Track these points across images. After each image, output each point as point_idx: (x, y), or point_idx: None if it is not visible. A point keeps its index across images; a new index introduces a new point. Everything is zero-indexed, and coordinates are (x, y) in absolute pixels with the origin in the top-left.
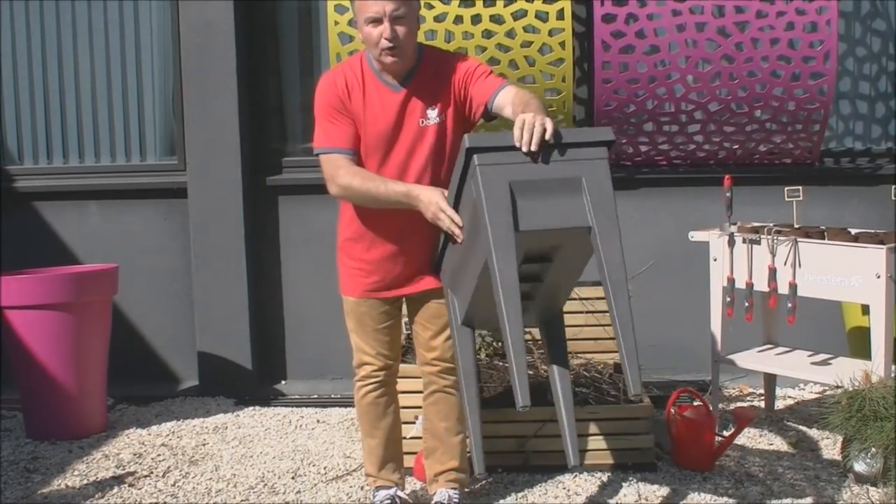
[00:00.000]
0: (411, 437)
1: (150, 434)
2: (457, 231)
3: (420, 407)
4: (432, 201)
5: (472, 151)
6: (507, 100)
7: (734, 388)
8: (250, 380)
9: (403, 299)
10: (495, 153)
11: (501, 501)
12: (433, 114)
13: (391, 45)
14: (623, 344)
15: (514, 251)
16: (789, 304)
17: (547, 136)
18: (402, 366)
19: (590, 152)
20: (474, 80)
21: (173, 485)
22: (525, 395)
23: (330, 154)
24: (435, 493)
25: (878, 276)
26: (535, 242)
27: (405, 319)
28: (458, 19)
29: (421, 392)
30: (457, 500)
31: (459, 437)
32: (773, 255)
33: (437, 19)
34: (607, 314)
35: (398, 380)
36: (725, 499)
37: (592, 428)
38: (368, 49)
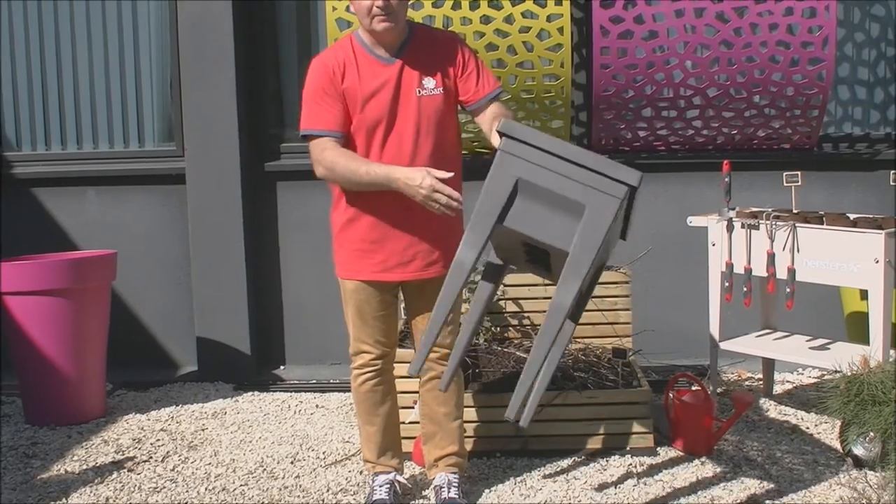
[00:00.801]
0: (410, 422)
1: (149, 419)
2: (455, 205)
3: (417, 392)
4: (423, 184)
5: (502, 135)
6: (491, 114)
7: (732, 373)
8: (249, 365)
9: (400, 287)
10: (523, 146)
11: (500, 486)
12: (430, 84)
13: (384, 11)
14: (530, 380)
15: (483, 240)
16: (788, 289)
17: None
18: (398, 351)
19: (608, 186)
20: (468, 71)
21: (172, 470)
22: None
23: (315, 136)
24: (434, 478)
25: (877, 261)
26: (527, 240)
27: (402, 306)
28: (457, 4)
29: (417, 377)
30: (456, 484)
31: (458, 423)
32: (772, 241)
33: (436, 5)
34: (606, 299)
35: (396, 365)
36: (724, 483)
37: (591, 412)
38: (361, 20)
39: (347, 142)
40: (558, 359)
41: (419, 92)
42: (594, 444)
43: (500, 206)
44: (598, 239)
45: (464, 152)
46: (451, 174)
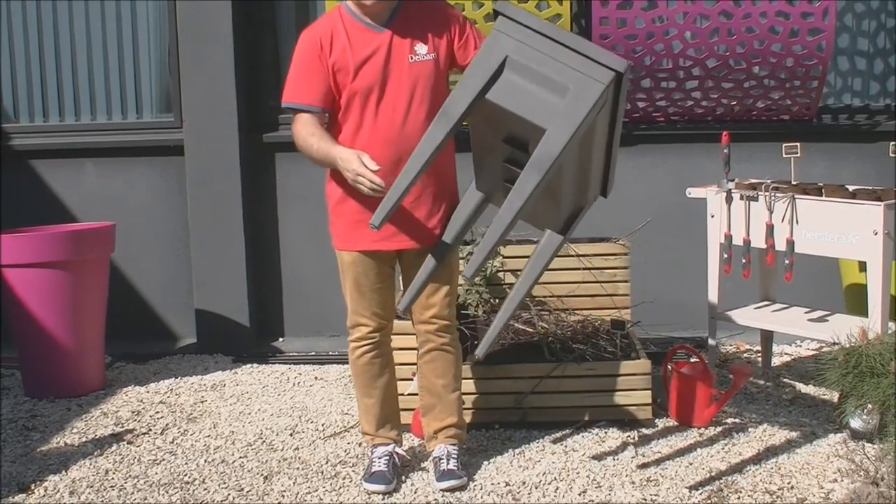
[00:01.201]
0: (408, 394)
1: (148, 392)
2: (378, 192)
3: (416, 364)
4: (349, 167)
5: (497, 14)
6: None
7: (731, 345)
8: (248, 337)
9: (397, 258)
10: (516, 25)
11: (499, 458)
12: (422, 50)
13: None
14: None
15: (458, 117)
16: (787, 261)
17: None
18: (396, 322)
19: (594, 70)
20: (464, 36)
21: (172, 442)
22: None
23: (293, 109)
24: (434, 450)
25: (876, 233)
26: (508, 123)
27: (399, 278)
28: None
29: (416, 349)
30: (455, 456)
31: (456, 394)
32: (771, 212)
33: None
34: (604, 271)
35: (394, 337)
36: (722, 454)
37: (589, 384)
38: None
39: (331, 117)
40: (538, 274)
41: (411, 58)
42: (593, 415)
43: (485, 78)
44: (577, 120)
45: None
46: (379, 167)
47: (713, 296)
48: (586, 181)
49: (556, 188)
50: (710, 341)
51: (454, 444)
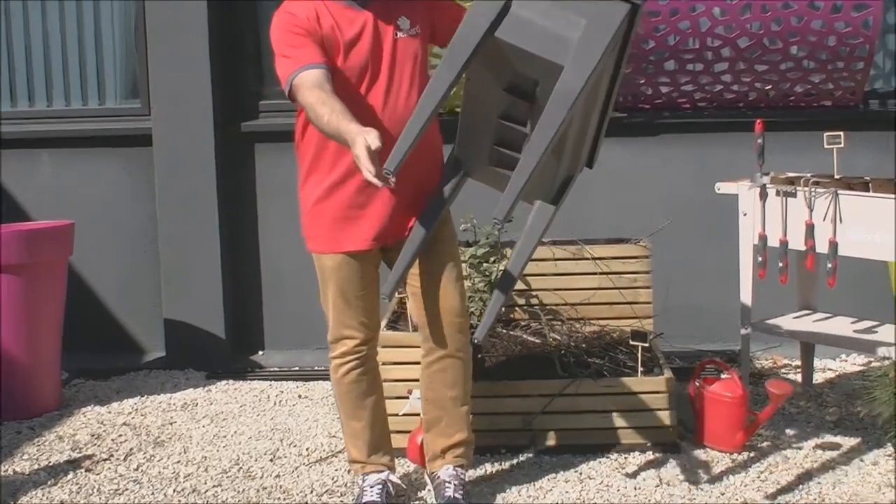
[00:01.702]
0: (403, 415)
1: (109, 412)
2: (372, 180)
3: (413, 380)
4: (352, 150)
5: None
6: None
7: (767, 359)
8: (223, 350)
9: (381, 257)
10: None
11: (506, 486)
12: (406, 24)
13: None
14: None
15: (467, 56)
16: (829, 265)
17: None
18: (391, 334)
19: (608, 5)
20: (443, 9)
21: (136, 469)
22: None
23: (300, 73)
24: (440, 470)
25: None
26: (516, 64)
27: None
28: None
29: (413, 364)
30: (463, 482)
31: (466, 408)
32: (811, 210)
33: None
34: (623, 276)
35: (384, 350)
36: (757, 483)
37: (607, 404)
38: None
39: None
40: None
41: (397, 34)
42: (611, 438)
43: (493, 14)
44: (596, 55)
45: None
46: (381, 146)
47: (746, 303)
48: (582, 143)
49: (560, 146)
50: (744, 355)
51: (462, 466)
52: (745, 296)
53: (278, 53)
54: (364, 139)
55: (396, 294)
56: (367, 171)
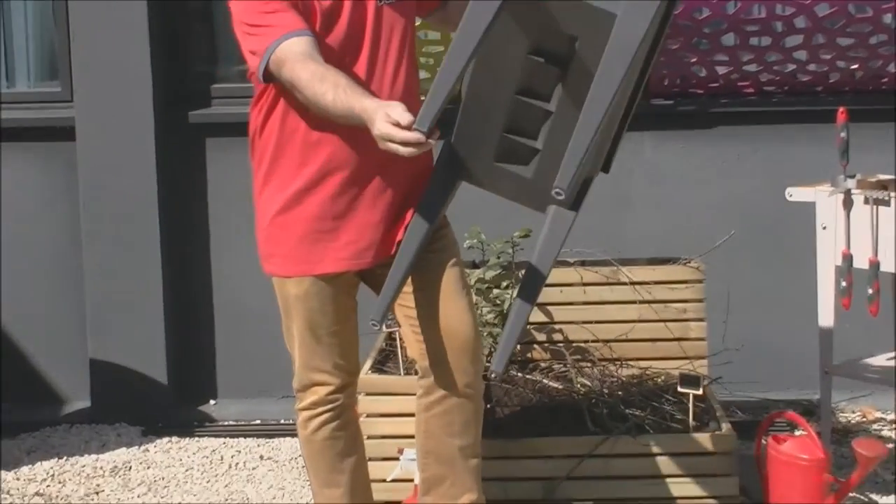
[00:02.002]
0: (393, 480)
1: (18, 479)
2: (410, 150)
3: (406, 437)
4: (373, 131)
5: None
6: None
7: (854, 412)
8: (164, 399)
9: (360, 283)
10: None
11: None
12: None
13: None
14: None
15: (487, 22)
16: None
17: None
18: (376, 378)
19: None
20: None
21: None
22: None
23: (282, 44)
24: None
25: None
26: (549, 17)
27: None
28: None
29: (405, 416)
30: None
31: (476, 461)
32: None
33: None
34: (670, 306)
35: (367, 398)
36: None
37: (650, 467)
38: None
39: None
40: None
41: (380, 1)
42: None
43: None
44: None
45: None
46: (411, 118)
47: (827, 341)
48: (607, 136)
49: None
50: (824, 406)
51: None
52: (826, 330)
53: (246, 24)
54: (386, 113)
55: (384, 327)
56: (404, 140)
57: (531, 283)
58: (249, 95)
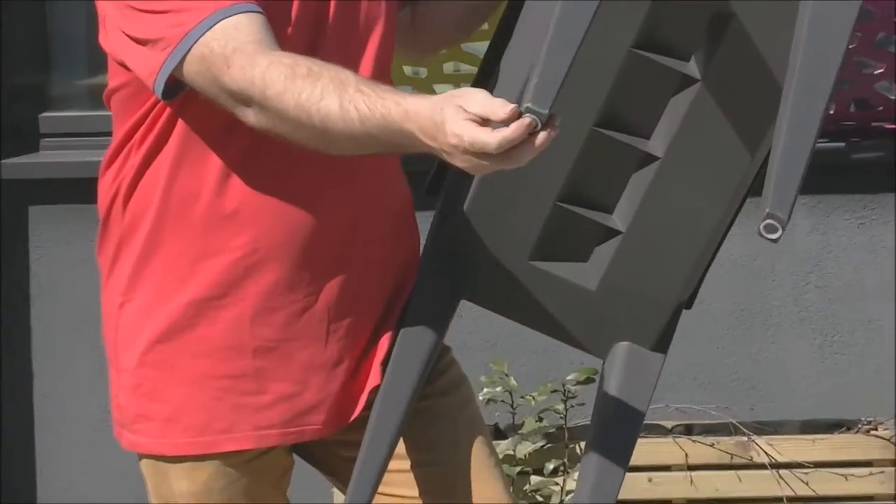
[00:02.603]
0: None
1: None
2: (522, 153)
3: None
4: (447, 140)
5: None
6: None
7: None
8: None
9: (291, 463)
10: None
11: None
12: None
13: None
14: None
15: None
16: None
17: None
18: None
19: None
20: None
21: None
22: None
23: (221, 24)
24: None
25: None
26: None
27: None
28: None
29: None
30: None
31: None
32: None
33: None
34: (796, 473)
35: None
36: None
37: None
38: None
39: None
40: None
41: None
42: None
43: None
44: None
45: None
46: (500, 102)
47: None
48: (703, 253)
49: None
50: None
51: None
52: None
53: (130, 5)
54: (458, 107)
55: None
56: (509, 140)
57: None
58: (103, 133)
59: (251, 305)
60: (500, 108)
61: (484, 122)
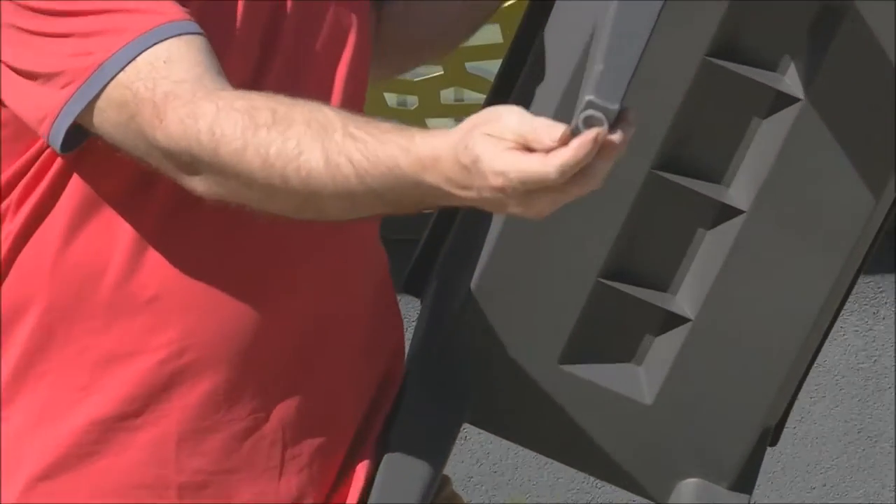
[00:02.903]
0: None
1: None
2: (589, 182)
3: None
4: (477, 181)
5: None
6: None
7: None
8: None
9: None
10: None
11: None
12: None
13: None
14: None
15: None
16: None
17: None
18: None
19: None
20: None
21: None
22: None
23: (151, 51)
24: None
25: None
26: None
27: None
28: None
29: None
30: None
31: None
32: None
33: None
34: None
35: None
36: None
37: None
38: None
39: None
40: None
41: None
42: None
43: None
44: None
45: None
46: (545, 120)
47: None
48: (786, 384)
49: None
50: None
51: None
52: None
53: (36, 10)
54: (486, 135)
55: None
56: (565, 166)
57: None
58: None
59: (177, 425)
60: (545, 130)
61: (527, 147)
